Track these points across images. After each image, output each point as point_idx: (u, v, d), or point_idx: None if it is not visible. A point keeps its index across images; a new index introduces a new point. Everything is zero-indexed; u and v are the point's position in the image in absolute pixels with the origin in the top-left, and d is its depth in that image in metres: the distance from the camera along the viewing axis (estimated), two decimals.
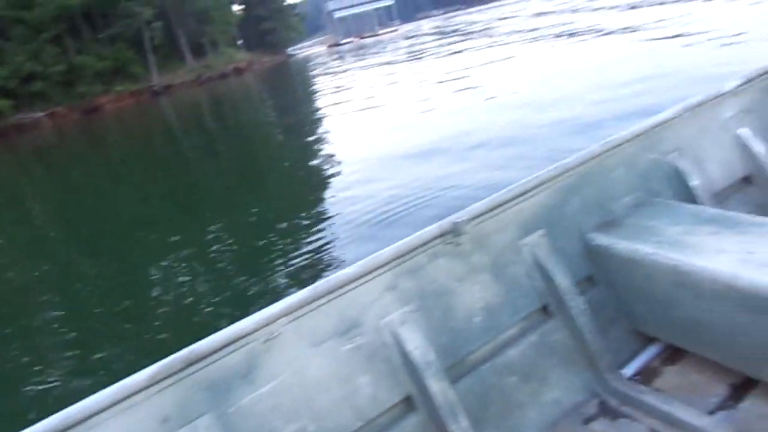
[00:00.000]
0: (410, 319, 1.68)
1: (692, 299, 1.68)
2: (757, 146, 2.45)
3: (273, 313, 1.52)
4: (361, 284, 1.65)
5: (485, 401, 1.72)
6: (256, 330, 1.49)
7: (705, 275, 1.61)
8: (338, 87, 22.67)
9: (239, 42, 66.87)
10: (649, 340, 1.99)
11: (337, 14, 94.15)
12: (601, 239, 1.94)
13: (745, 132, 2.48)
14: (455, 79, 15.79)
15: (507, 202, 1.89)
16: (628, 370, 1.89)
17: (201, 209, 9.27)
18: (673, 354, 1.94)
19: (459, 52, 23.91)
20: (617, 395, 1.80)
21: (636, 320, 1.97)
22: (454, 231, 1.77)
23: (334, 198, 8.16)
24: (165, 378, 1.38)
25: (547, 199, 1.98)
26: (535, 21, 30.38)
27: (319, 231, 6.71)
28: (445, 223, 1.78)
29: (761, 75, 2.64)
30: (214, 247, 7.15)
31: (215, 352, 1.44)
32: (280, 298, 1.56)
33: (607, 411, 1.78)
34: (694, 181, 2.24)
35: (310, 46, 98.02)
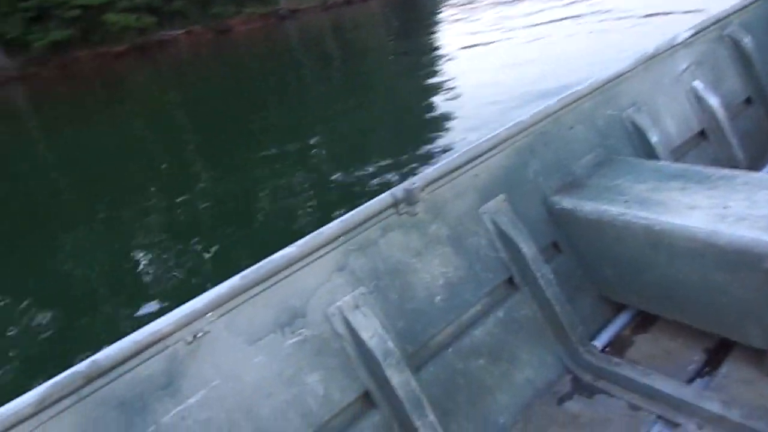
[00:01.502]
0: (364, 303, 1.48)
1: (666, 260, 1.59)
2: (711, 99, 2.39)
3: (197, 308, 1.27)
4: (304, 266, 1.44)
5: (452, 389, 1.57)
6: (177, 330, 1.24)
7: (681, 234, 1.52)
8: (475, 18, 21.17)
9: None
10: (618, 308, 1.90)
11: None
12: (565, 202, 1.81)
13: (698, 85, 2.42)
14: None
15: (463, 165, 1.74)
16: (600, 342, 1.79)
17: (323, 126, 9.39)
18: (644, 321, 1.86)
19: None
20: (591, 370, 1.70)
21: (603, 287, 1.87)
22: (408, 199, 1.60)
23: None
24: (60, 399, 1.10)
25: (506, 161, 1.84)
26: None
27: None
28: (397, 190, 1.60)
29: (711, 25, 2.58)
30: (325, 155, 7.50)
31: (125, 361, 1.18)
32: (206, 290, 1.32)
33: (582, 387, 1.68)
34: (653, 137, 2.15)
35: None
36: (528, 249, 1.74)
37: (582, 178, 1.93)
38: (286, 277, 1.42)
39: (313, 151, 8.05)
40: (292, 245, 1.44)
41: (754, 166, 2.45)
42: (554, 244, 1.89)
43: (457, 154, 1.76)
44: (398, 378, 1.42)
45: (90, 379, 1.15)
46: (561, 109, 2.00)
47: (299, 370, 1.39)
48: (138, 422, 1.19)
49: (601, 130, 2.10)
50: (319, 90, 13.32)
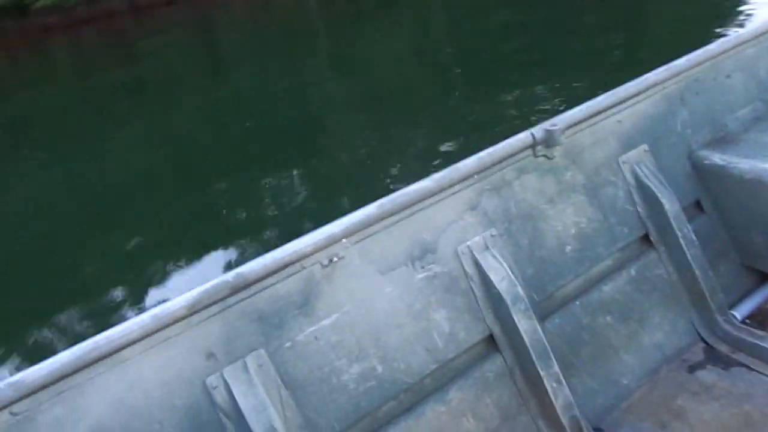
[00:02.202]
0: (494, 245, 1.43)
1: None
2: None
3: (334, 233, 1.27)
4: (438, 201, 1.40)
5: (576, 343, 1.51)
6: (314, 252, 1.25)
7: None
8: None
9: None
10: (764, 278, 1.75)
11: None
12: (714, 158, 1.66)
13: None
14: None
15: (606, 109, 1.61)
16: (740, 312, 1.65)
17: None
18: None
19: None
20: (729, 340, 1.58)
21: (749, 254, 1.72)
22: (547, 141, 1.51)
23: None
24: (207, 306, 1.15)
25: (652, 109, 1.69)
26: None
27: None
28: (536, 130, 1.51)
29: None
30: None
31: (266, 277, 1.21)
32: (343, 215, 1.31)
33: (717, 358, 1.56)
34: None
35: None
36: (670, 205, 1.61)
37: (736, 132, 1.76)
38: (420, 210, 1.39)
39: None
40: (427, 179, 1.40)
41: None
42: (697, 202, 1.75)
43: (601, 97, 1.63)
44: (525, 325, 1.38)
45: (235, 289, 1.18)
46: (720, 54, 1.81)
47: (427, 306, 1.37)
48: (275, 336, 1.22)
49: (762, 81, 1.89)
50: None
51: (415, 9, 13.60)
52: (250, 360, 1.17)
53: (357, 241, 1.32)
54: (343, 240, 1.30)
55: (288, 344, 1.22)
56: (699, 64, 1.78)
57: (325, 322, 1.26)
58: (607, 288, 1.59)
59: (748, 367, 1.52)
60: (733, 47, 1.83)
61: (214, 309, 1.17)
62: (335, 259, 1.29)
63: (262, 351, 1.19)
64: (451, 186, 1.42)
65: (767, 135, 1.70)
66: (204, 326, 1.16)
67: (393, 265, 1.35)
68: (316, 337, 1.25)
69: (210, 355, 1.16)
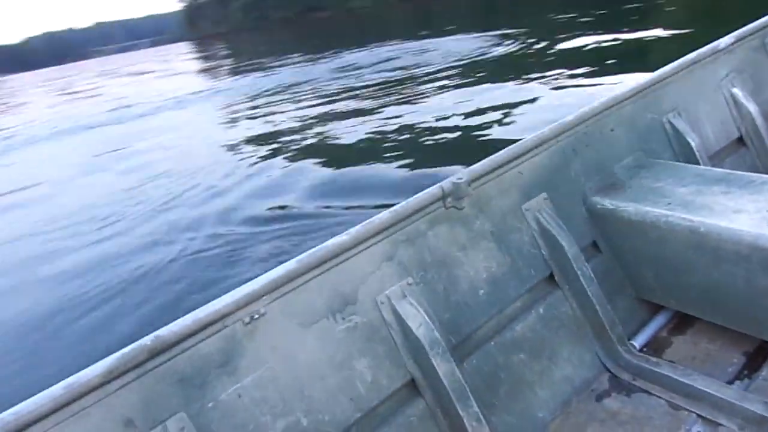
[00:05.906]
0: (411, 293, 1.52)
1: (709, 262, 1.60)
2: (750, 107, 2.43)
3: (254, 290, 1.31)
4: (356, 254, 1.48)
5: (494, 382, 1.60)
6: (235, 311, 1.28)
7: (726, 236, 1.53)
8: None
9: None
10: (656, 309, 1.92)
11: None
12: (606, 203, 1.84)
13: (737, 92, 2.45)
14: None
15: (507, 162, 1.77)
16: (638, 341, 1.80)
17: None
18: (681, 322, 1.88)
19: None
20: (630, 369, 1.72)
21: (641, 288, 1.89)
22: (455, 193, 1.64)
23: None
24: (124, 373, 1.14)
25: (548, 160, 1.87)
26: None
27: None
28: (445, 184, 1.64)
29: (753, 33, 2.60)
30: None
31: (186, 338, 1.22)
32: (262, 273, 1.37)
33: (620, 386, 1.69)
34: (693, 142, 2.17)
35: None
36: (569, 247, 1.76)
37: (623, 179, 1.95)
38: (338, 264, 1.46)
39: None
40: (344, 233, 1.48)
41: None
42: (594, 243, 1.91)
43: (502, 151, 1.79)
44: (444, 367, 1.45)
45: (153, 353, 1.18)
46: (602, 111, 2.03)
47: (349, 356, 1.42)
48: (197, 398, 1.22)
49: (641, 133, 2.13)
50: None
51: None
52: (171, 424, 1.16)
53: (277, 297, 1.36)
54: (264, 297, 1.33)
55: (210, 404, 1.22)
56: (587, 119, 1.99)
57: (248, 379, 1.28)
58: (519, 327, 1.70)
59: (648, 392, 1.65)
60: (614, 105, 2.06)
61: (132, 375, 1.16)
62: (256, 316, 1.32)
63: (183, 414, 1.18)
64: (367, 239, 1.50)
65: (648, 181, 1.91)
66: (121, 394, 1.14)
67: (314, 318, 1.40)
68: (239, 395, 1.26)
69: (128, 423, 1.14)
